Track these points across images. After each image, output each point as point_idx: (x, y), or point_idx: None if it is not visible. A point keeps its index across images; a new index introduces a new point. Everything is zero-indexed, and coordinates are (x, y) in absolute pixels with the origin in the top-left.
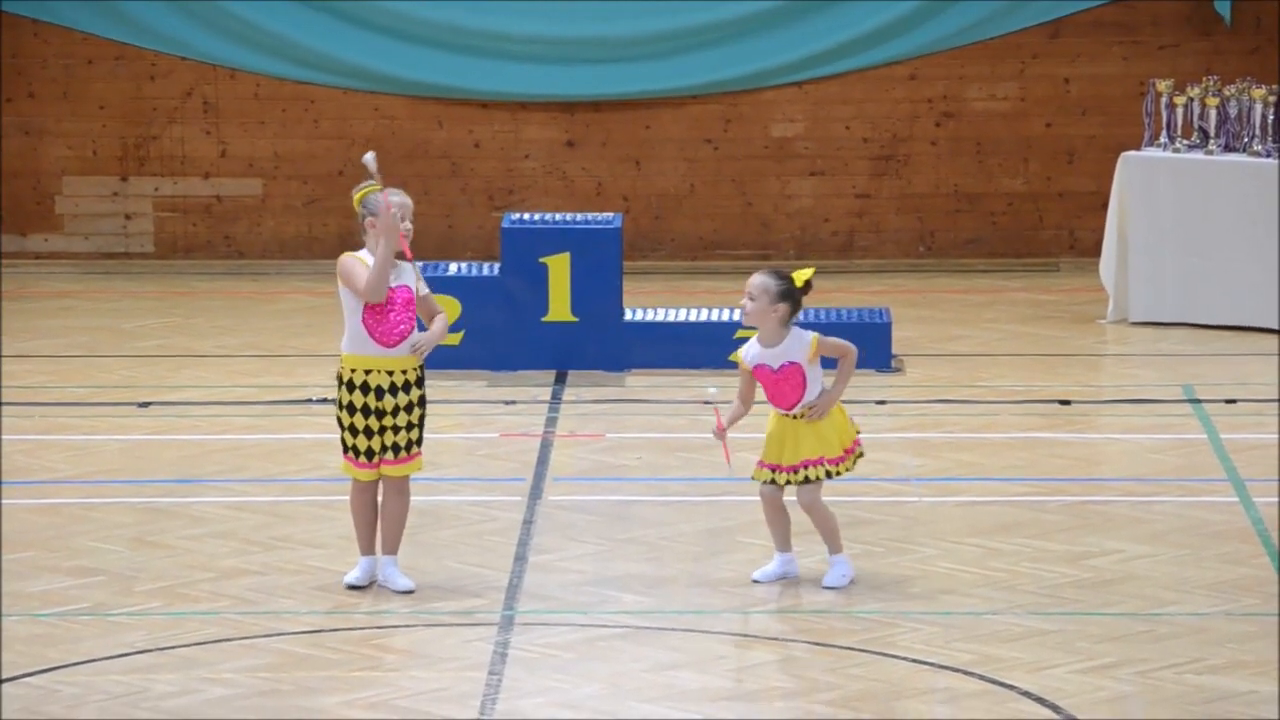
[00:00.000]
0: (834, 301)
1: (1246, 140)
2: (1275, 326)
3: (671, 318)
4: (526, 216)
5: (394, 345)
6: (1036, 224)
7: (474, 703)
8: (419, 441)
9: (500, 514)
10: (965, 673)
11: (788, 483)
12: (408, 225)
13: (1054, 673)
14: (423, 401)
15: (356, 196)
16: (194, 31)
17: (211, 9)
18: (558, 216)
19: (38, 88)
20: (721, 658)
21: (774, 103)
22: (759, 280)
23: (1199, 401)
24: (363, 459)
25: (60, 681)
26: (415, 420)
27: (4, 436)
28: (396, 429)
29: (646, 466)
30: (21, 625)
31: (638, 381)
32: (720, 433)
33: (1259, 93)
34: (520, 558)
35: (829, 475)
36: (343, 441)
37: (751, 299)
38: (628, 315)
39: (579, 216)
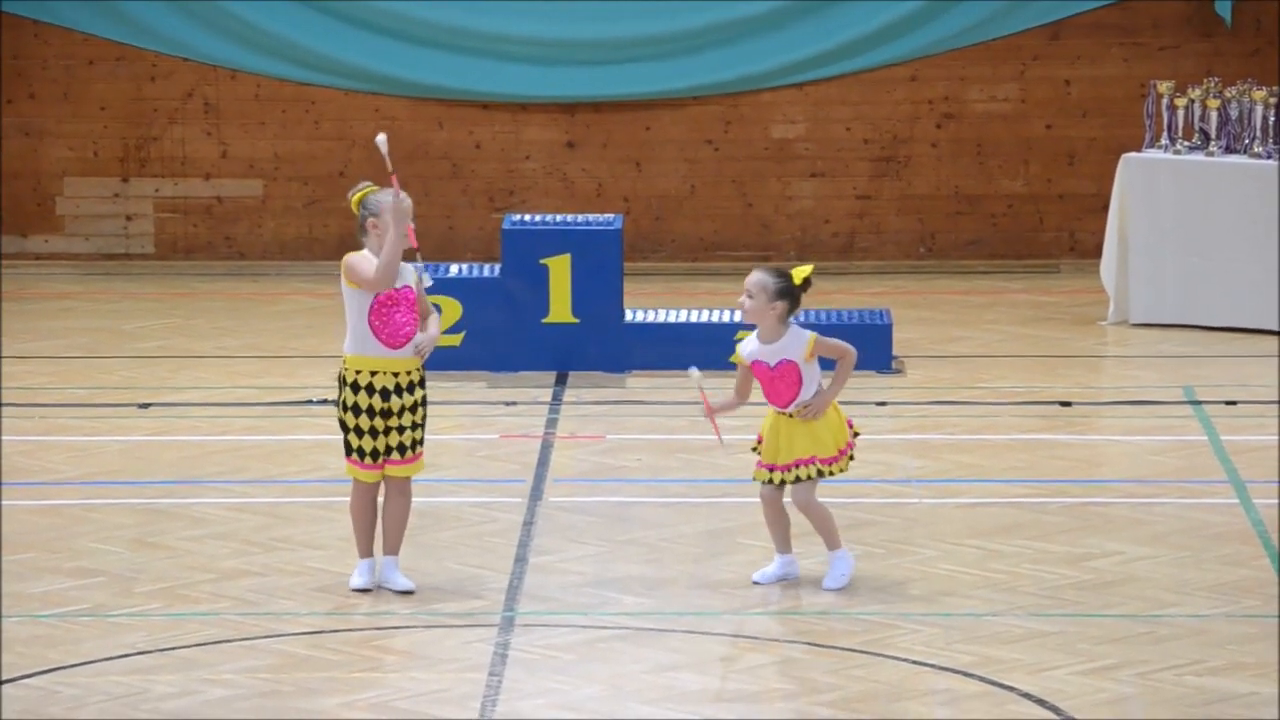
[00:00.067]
0: (834, 303)
1: (1247, 142)
2: (1276, 328)
3: (672, 319)
4: (527, 218)
5: (399, 346)
6: (1037, 225)
7: (474, 704)
8: (421, 442)
9: (500, 515)
10: (965, 674)
11: (782, 482)
12: (410, 225)
13: (1054, 674)
14: (425, 401)
15: (355, 198)
16: (195, 32)
17: (212, 10)
18: (558, 218)
19: (38, 88)
20: (722, 659)
21: (774, 104)
22: (757, 278)
23: (1199, 403)
24: (368, 460)
25: (60, 683)
26: (419, 420)
27: (4, 437)
28: (401, 429)
29: (647, 468)
30: (22, 626)
31: (638, 383)
32: (708, 412)
33: (1260, 94)
34: (520, 559)
35: (820, 474)
36: (347, 444)
37: (750, 296)
38: (628, 316)
39: (579, 218)
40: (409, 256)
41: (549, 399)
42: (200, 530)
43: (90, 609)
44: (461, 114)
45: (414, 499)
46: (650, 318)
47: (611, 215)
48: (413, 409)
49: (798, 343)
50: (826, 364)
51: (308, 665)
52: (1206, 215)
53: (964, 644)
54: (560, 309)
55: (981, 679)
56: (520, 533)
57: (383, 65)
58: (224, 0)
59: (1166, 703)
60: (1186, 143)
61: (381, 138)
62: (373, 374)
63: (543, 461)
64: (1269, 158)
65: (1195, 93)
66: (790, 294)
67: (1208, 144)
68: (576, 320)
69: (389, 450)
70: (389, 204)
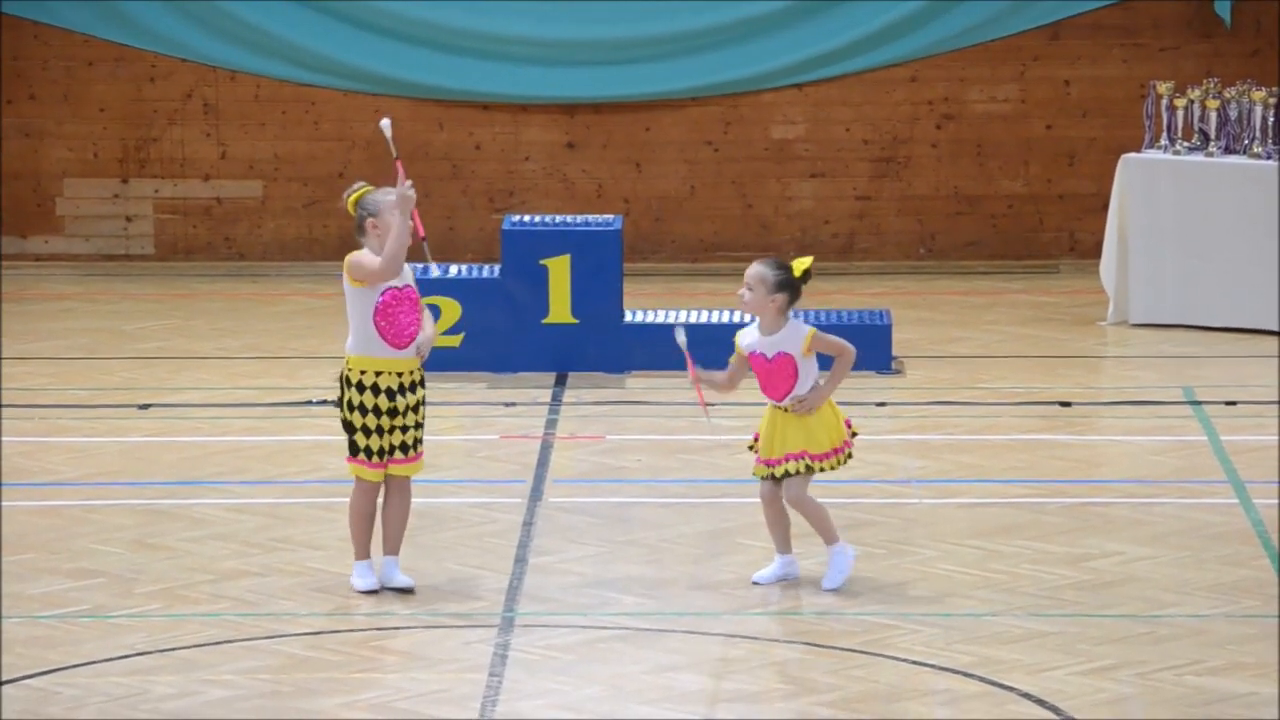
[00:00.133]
0: (834, 303)
1: (1247, 142)
2: (1275, 328)
3: (672, 319)
4: (527, 218)
5: (405, 346)
6: (1037, 226)
7: (474, 704)
8: (421, 440)
9: (500, 516)
10: (965, 674)
11: (773, 476)
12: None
13: (1054, 674)
14: (424, 400)
15: (351, 199)
16: (194, 33)
17: (212, 10)
18: (558, 218)
19: (38, 90)
20: (721, 660)
21: (774, 105)
22: (756, 270)
23: (1199, 403)
24: (375, 459)
25: (60, 683)
26: (421, 419)
27: (5, 438)
28: (405, 428)
29: (646, 468)
30: (22, 627)
31: (638, 383)
32: (694, 378)
33: (1259, 95)
34: (520, 559)
35: (808, 469)
36: (353, 444)
37: (749, 289)
38: (628, 317)
39: (579, 218)
40: (415, 245)
41: (549, 399)
42: (200, 531)
43: (90, 610)
44: (461, 115)
45: (414, 499)
46: (650, 318)
47: (611, 216)
48: (415, 408)
49: (796, 336)
50: (826, 364)
51: (307, 666)
52: (1206, 216)
53: (964, 644)
54: (560, 310)
55: (981, 679)
56: (520, 533)
57: (383, 66)
58: (224, 1)
59: (1166, 703)
60: (1186, 143)
61: (385, 122)
62: (378, 374)
63: (542, 462)
64: (1268, 158)
65: (1195, 93)
66: (790, 286)
67: (1207, 144)
68: (576, 321)
69: (392, 449)
70: (387, 203)
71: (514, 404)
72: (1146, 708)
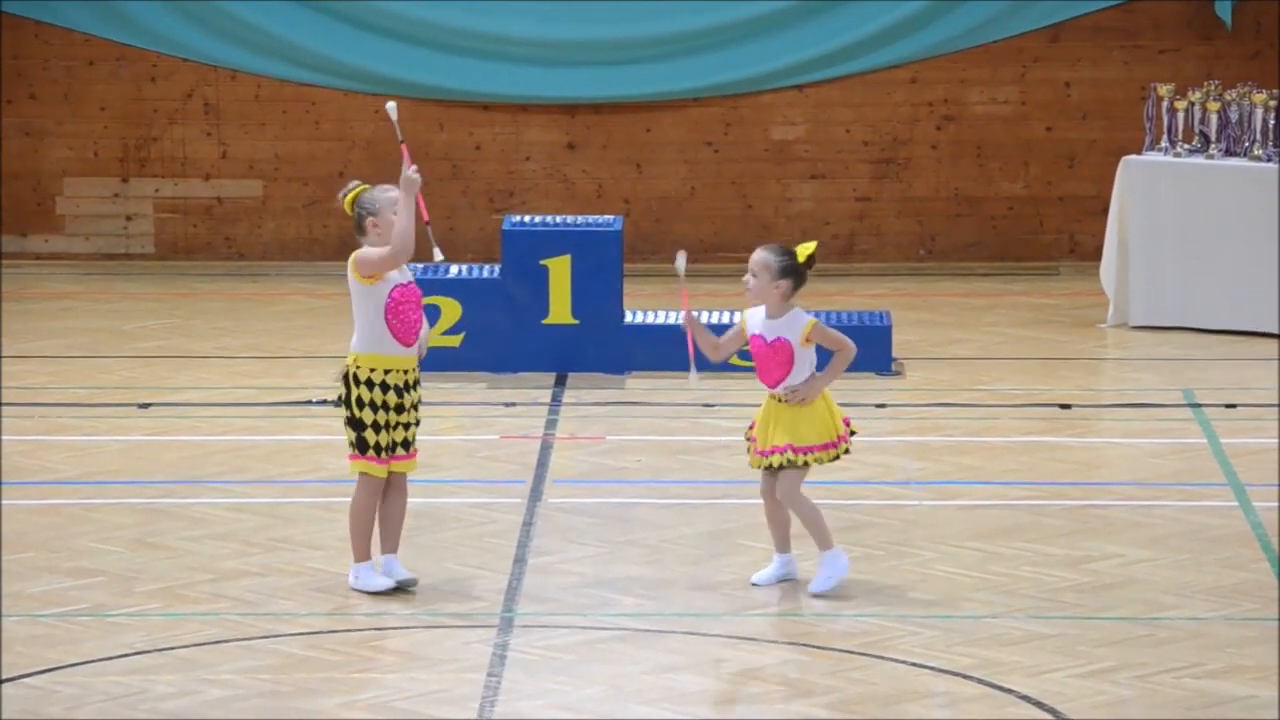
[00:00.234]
0: (834, 304)
1: (1247, 145)
2: (1275, 331)
3: (672, 320)
4: (527, 219)
5: (411, 345)
6: (1037, 228)
7: (473, 705)
8: (416, 437)
9: (500, 516)
10: (964, 677)
11: (769, 467)
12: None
13: (1053, 677)
14: (420, 399)
15: (347, 198)
16: (195, 33)
17: (212, 10)
18: (558, 219)
19: (39, 89)
20: (721, 661)
21: (774, 106)
22: (760, 256)
23: (1199, 406)
24: (384, 455)
25: (60, 682)
26: (419, 416)
27: (4, 437)
28: (406, 425)
29: (646, 469)
30: (21, 626)
31: (638, 384)
32: (687, 318)
33: (1260, 97)
34: (520, 560)
35: (790, 463)
36: (362, 441)
37: (754, 275)
38: (628, 318)
39: (579, 219)
40: (419, 230)
41: (549, 400)
42: (200, 530)
43: (89, 609)
44: (462, 115)
45: (414, 500)
46: (650, 319)
47: (611, 216)
48: (415, 406)
49: (796, 324)
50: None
51: (307, 666)
52: (1206, 218)
53: (963, 646)
54: (560, 310)
55: (981, 681)
56: (520, 533)
57: (383, 66)
58: (224, 1)
59: (1165, 705)
60: (1186, 145)
61: (391, 105)
62: (386, 372)
63: (542, 462)
64: (1269, 161)
65: (1195, 95)
66: (794, 272)
67: (1208, 147)
68: (576, 321)
69: (394, 446)
70: (387, 200)
71: (514, 404)
72: (1146, 710)
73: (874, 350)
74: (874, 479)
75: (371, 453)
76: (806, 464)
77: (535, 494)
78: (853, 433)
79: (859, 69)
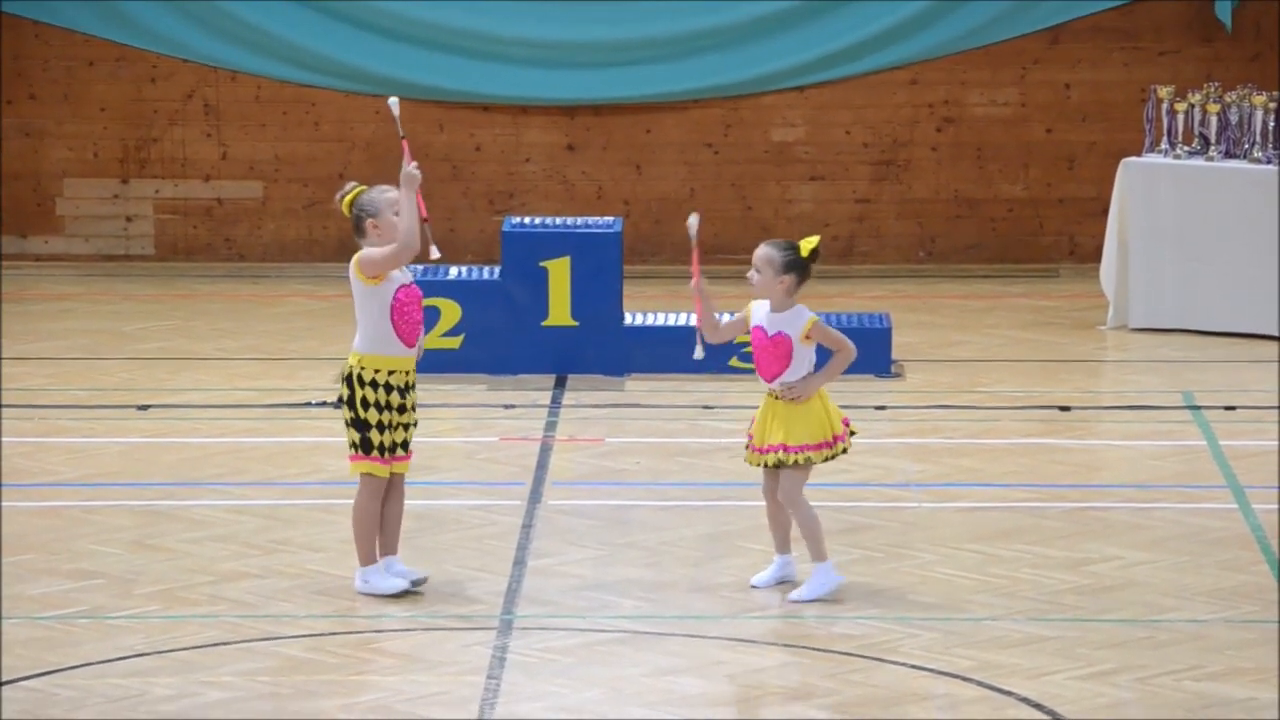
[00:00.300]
0: (834, 306)
1: (1247, 147)
2: (1275, 333)
3: (671, 322)
4: (527, 220)
5: (414, 345)
6: (1037, 230)
7: (472, 707)
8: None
9: (499, 518)
10: (964, 679)
11: (766, 465)
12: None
13: (1053, 679)
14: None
15: (345, 200)
16: (195, 33)
17: (213, 11)
18: (558, 220)
19: (39, 89)
20: (720, 663)
21: (774, 107)
22: (763, 252)
23: (1199, 408)
24: (388, 455)
25: (59, 685)
26: (417, 417)
27: (4, 439)
28: (406, 426)
29: (646, 471)
30: (21, 628)
31: (637, 386)
32: (697, 288)
33: (1260, 99)
34: (519, 562)
35: (782, 462)
36: (366, 441)
37: (758, 270)
38: (628, 319)
39: (579, 220)
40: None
41: (548, 402)
42: (199, 532)
43: (89, 611)
44: (461, 116)
45: (414, 502)
46: (650, 321)
47: (611, 218)
48: (414, 407)
49: (798, 320)
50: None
51: (306, 668)
52: (1206, 220)
53: (963, 648)
54: (560, 312)
55: (980, 684)
56: (519, 535)
57: (383, 66)
58: (224, 1)
59: (1165, 708)
60: (1186, 147)
61: (393, 100)
62: (390, 373)
63: (542, 464)
64: (1269, 163)
65: (1195, 97)
66: (798, 266)
67: (1207, 149)
68: (576, 323)
69: (394, 446)
70: (386, 200)
71: (513, 406)
72: (1145, 712)
73: (874, 352)
74: (873, 481)
75: (376, 453)
76: (805, 463)
77: (535, 496)
78: (852, 433)
79: (859, 70)
